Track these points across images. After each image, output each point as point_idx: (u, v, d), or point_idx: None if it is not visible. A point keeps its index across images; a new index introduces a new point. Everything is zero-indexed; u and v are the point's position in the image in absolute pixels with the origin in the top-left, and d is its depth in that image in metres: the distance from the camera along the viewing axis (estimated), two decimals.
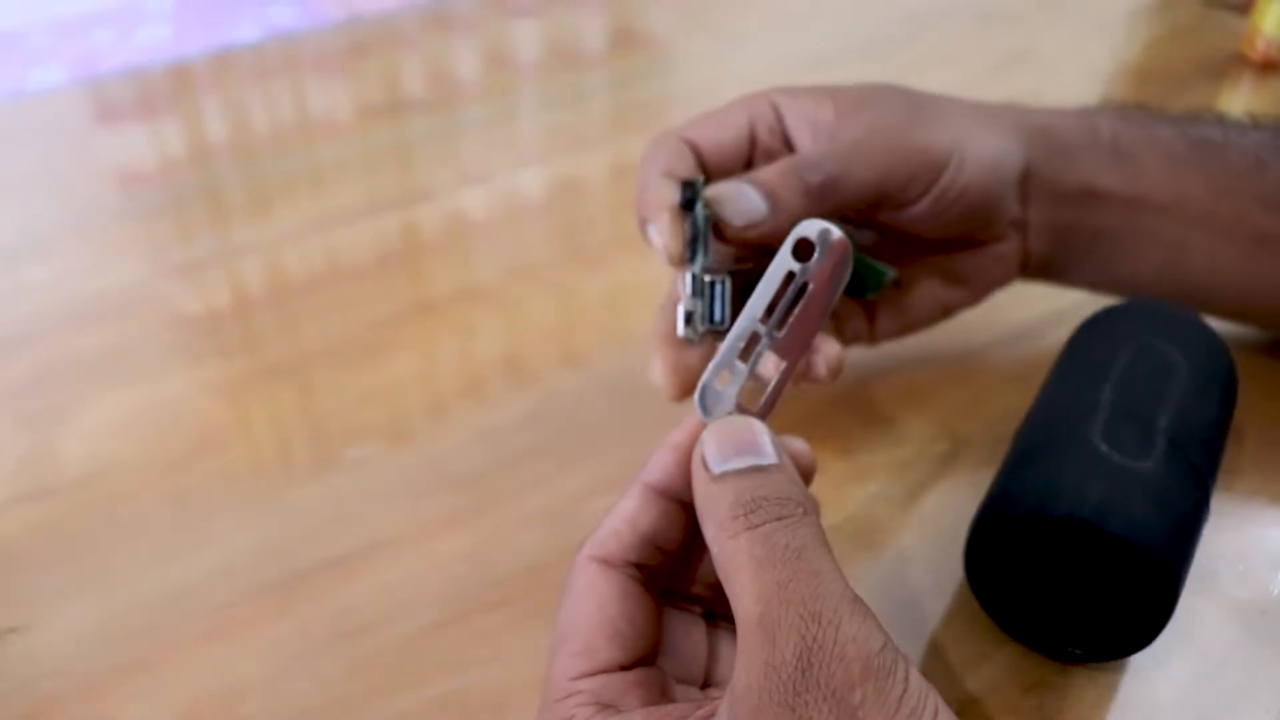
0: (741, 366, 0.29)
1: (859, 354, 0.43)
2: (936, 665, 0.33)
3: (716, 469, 0.27)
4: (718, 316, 0.33)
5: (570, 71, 0.69)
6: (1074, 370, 0.37)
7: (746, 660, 0.24)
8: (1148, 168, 0.40)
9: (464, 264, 0.52)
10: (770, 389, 0.29)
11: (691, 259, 0.33)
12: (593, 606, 0.28)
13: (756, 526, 0.25)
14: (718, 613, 0.31)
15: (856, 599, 0.24)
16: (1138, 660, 0.33)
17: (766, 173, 0.35)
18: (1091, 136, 0.40)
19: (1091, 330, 0.38)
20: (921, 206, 0.37)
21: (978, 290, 0.41)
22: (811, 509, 0.26)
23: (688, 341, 0.34)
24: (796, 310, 0.29)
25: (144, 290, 0.50)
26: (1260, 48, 0.69)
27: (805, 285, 0.29)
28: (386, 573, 0.36)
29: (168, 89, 0.66)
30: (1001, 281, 0.41)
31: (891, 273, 0.39)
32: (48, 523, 0.38)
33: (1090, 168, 0.40)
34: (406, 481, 0.40)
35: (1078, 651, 0.33)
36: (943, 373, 0.44)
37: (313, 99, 0.66)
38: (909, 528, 0.38)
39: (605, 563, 0.28)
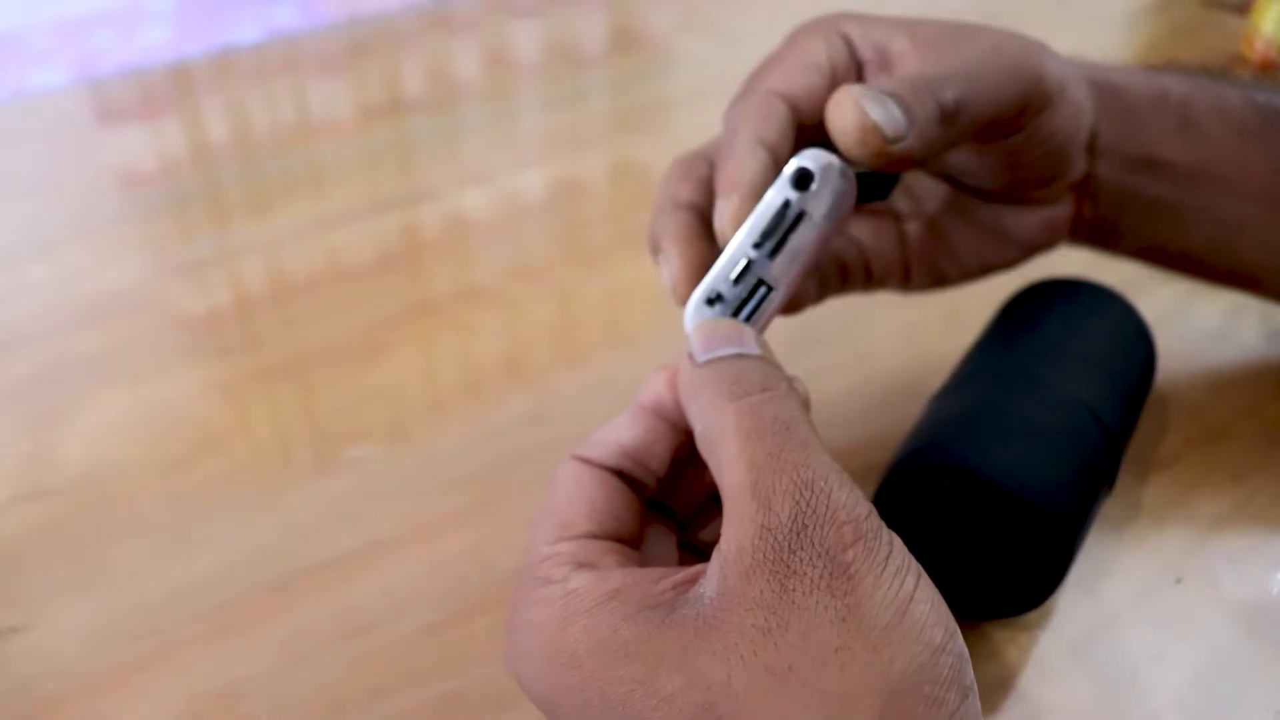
0: (732, 290, 0.29)
1: (845, 355, 0.43)
2: None
3: (701, 358, 0.27)
4: (744, 319, 0.29)
5: (570, 71, 0.69)
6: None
7: (738, 526, 0.24)
8: (1213, 138, 0.38)
9: (464, 264, 0.52)
10: (758, 317, 0.29)
11: (758, 245, 0.29)
12: (571, 490, 0.28)
13: (743, 398, 0.26)
14: (691, 542, 0.31)
15: (842, 471, 0.25)
16: (1137, 660, 0.33)
17: (895, 85, 0.30)
18: (1161, 102, 0.38)
19: None
20: (1011, 142, 0.34)
21: (1021, 251, 0.38)
22: (793, 387, 0.27)
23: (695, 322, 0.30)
24: (791, 240, 0.29)
25: (144, 290, 0.50)
26: (1259, 48, 0.69)
27: (801, 215, 0.29)
28: (386, 573, 0.36)
29: (168, 89, 0.66)
30: (1047, 245, 0.39)
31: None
32: (48, 523, 0.39)
33: (1156, 135, 0.37)
34: (406, 481, 0.40)
35: (1016, 602, 0.33)
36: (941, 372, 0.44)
37: (313, 99, 0.66)
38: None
39: (586, 461, 0.29)
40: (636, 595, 0.25)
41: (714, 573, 0.24)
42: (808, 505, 0.24)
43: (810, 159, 0.29)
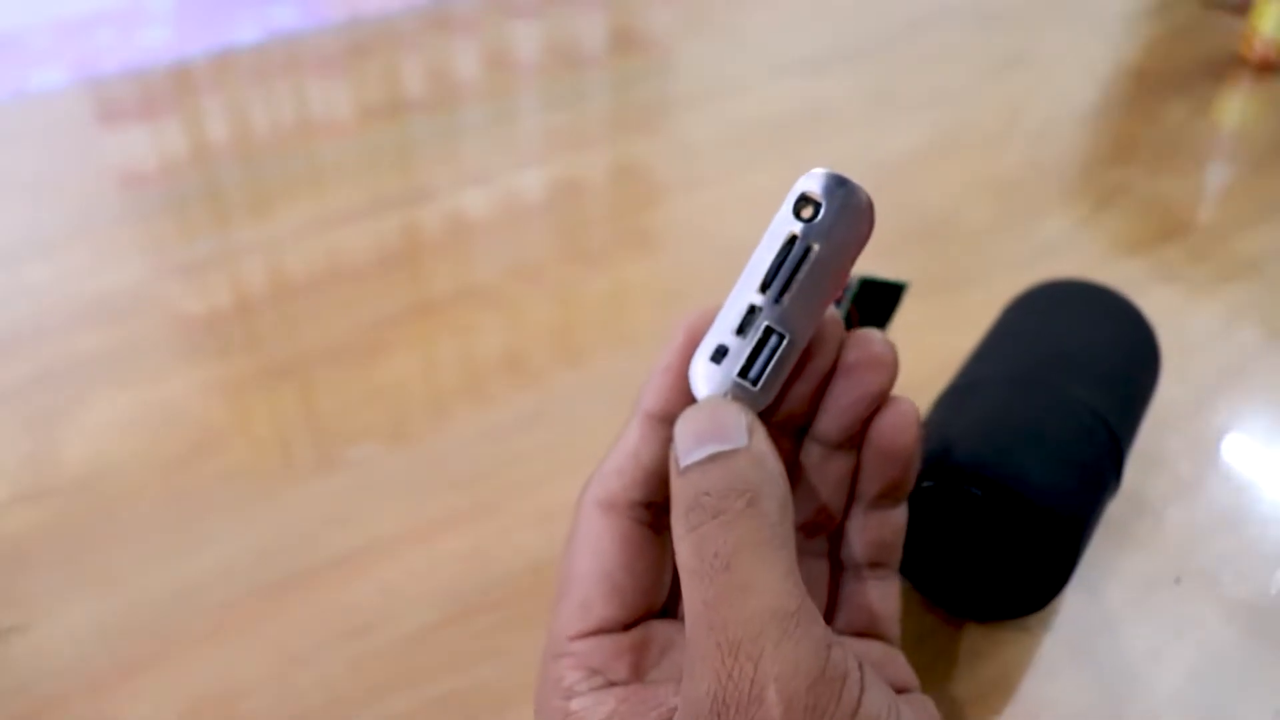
0: (738, 342, 0.25)
1: None
2: (933, 664, 0.33)
3: (682, 463, 0.24)
4: (755, 374, 0.25)
5: (570, 71, 0.69)
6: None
7: (683, 685, 0.22)
8: None
9: (464, 264, 0.52)
10: (770, 369, 0.25)
11: (764, 288, 0.25)
12: (591, 557, 0.26)
13: (694, 529, 0.23)
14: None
15: (792, 615, 0.21)
16: (1137, 660, 0.33)
17: None
18: None
19: None
20: None
21: None
22: (764, 494, 0.23)
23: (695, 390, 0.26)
24: (799, 278, 0.25)
25: (145, 290, 0.50)
26: (1258, 49, 0.69)
27: (809, 248, 0.25)
28: (386, 573, 0.36)
29: (169, 89, 0.66)
30: None
31: (904, 283, 0.35)
32: (48, 523, 0.39)
33: None
34: (406, 481, 0.40)
35: (1021, 604, 0.33)
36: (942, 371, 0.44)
37: (313, 99, 0.66)
38: None
39: (609, 506, 0.26)
40: None
41: None
42: (729, 677, 0.21)
43: (814, 180, 0.25)
